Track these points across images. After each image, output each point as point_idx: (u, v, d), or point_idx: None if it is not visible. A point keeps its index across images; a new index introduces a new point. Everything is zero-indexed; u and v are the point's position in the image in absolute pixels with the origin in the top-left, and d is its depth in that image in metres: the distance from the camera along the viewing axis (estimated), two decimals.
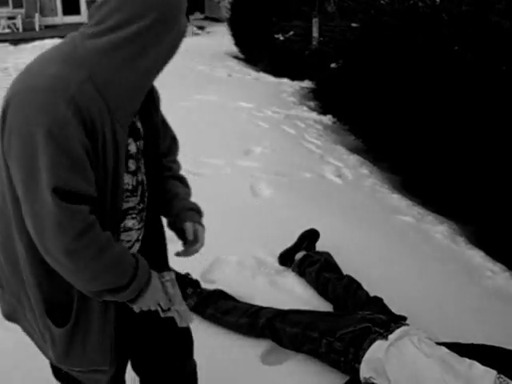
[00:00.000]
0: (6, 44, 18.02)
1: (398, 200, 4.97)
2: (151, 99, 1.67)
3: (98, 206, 1.45)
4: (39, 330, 1.60)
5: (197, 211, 1.82)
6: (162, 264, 1.77)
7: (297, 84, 10.20)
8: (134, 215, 1.64)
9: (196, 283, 3.12)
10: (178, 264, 2.91)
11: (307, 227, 3.69)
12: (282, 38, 11.24)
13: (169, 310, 1.65)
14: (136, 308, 1.59)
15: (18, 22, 21.21)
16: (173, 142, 1.89)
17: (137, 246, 1.70)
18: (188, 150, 5.63)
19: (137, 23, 1.36)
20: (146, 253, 1.64)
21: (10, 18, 21.36)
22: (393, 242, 4.03)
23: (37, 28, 20.91)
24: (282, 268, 3.52)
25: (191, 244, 1.78)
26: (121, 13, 1.37)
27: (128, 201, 1.60)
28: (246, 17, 12.17)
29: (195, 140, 5.90)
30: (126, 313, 1.65)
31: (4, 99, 1.42)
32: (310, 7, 10.27)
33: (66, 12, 22.20)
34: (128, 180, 1.58)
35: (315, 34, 9.49)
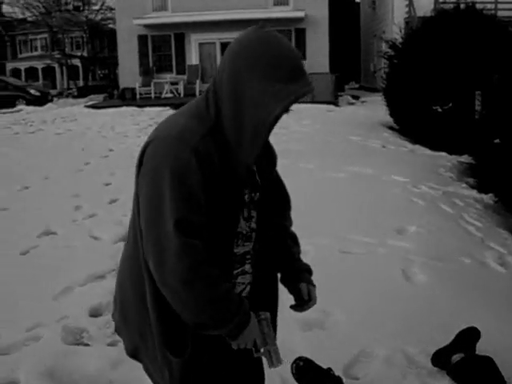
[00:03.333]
0: (168, 108, 19.30)
1: None
2: (270, 158, 1.87)
3: (213, 248, 1.62)
4: (158, 366, 1.72)
5: (309, 272, 1.98)
6: (271, 306, 1.93)
7: (455, 158, 9.72)
8: (249, 260, 1.82)
9: (338, 380, 2.85)
10: (319, 355, 2.71)
11: (466, 323, 3.30)
12: (439, 110, 10.88)
13: (261, 349, 1.74)
14: (234, 344, 1.68)
15: (180, 87, 22.84)
16: (286, 200, 2.02)
17: (248, 288, 1.86)
18: (338, 225, 5.50)
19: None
20: (257, 295, 1.87)
21: (172, 84, 23.04)
22: None
23: (197, 93, 22.26)
24: (435, 369, 3.15)
25: (306, 303, 1.93)
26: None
27: (244, 245, 1.79)
28: (402, 87, 11.92)
29: (345, 215, 5.71)
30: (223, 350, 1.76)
31: (143, 145, 1.67)
32: (472, 79, 9.87)
33: None
34: (243, 225, 1.76)
35: (478, 106, 9.06)
